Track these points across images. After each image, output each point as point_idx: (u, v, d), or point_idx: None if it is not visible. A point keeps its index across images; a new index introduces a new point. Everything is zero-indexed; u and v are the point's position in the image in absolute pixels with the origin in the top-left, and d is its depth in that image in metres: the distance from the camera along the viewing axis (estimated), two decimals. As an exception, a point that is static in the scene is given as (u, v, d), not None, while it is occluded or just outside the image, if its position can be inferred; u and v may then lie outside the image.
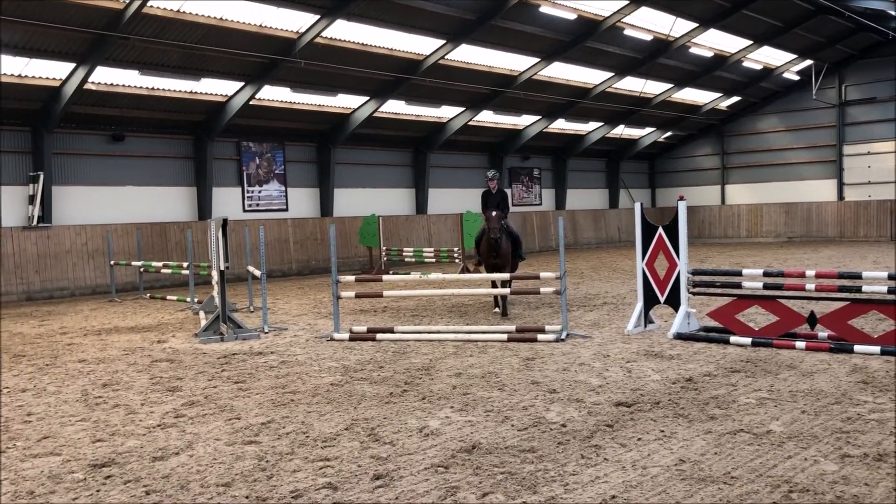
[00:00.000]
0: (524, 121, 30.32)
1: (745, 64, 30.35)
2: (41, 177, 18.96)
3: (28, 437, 6.19)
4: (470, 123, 27.59)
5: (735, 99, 34.58)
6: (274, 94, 22.52)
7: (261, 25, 19.14)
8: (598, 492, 4.58)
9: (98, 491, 4.89)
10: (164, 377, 8.44)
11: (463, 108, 27.06)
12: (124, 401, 7.34)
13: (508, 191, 32.45)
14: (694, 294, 10.11)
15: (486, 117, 28.47)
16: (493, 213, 12.72)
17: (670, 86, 30.76)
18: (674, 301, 9.98)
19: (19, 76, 17.95)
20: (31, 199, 19.05)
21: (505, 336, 9.93)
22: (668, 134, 36.72)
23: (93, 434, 6.21)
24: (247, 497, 4.69)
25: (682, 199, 10.08)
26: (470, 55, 23.57)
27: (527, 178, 33.70)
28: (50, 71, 18.21)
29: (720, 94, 33.49)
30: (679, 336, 9.58)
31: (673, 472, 4.87)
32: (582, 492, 4.59)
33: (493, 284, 12.85)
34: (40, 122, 19.08)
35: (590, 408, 6.46)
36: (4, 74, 17.70)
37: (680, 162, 38.80)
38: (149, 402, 7.28)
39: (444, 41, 22.19)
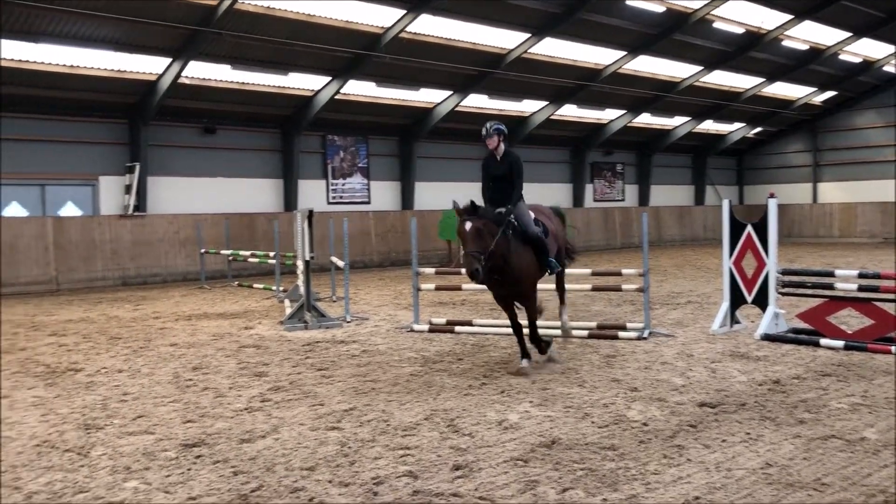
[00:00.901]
0: (608, 115, 29.86)
1: (843, 57, 29.11)
2: (137, 167, 19.79)
3: (124, 415, 6.49)
4: (552, 117, 27.36)
5: (830, 94, 33.21)
6: (359, 89, 22.83)
7: (347, 21, 19.44)
8: (681, 492, 4.49)
9: (189, 469, 5.08)
10: (250, 362, 8.69)
11: (546, 103, 26.84)
12: (213, 384, 7.60)
13: (590, 186, 32.03)
14: (783, 294, 9.79)
15: (569, 111, 28.17)
16: (468, 225, 7.60)
17: (761, 80, 29.77)
18: (762, 301, 9.69)
19: (119, 71, 18.75)
20: (128, 189, 19.90)
21: (585, 333, 9.83)
22: (758, 129, 35.57)
23: (184, 415, 6.45)
24: (330, 482, 4.80)
25: (772, 196, 9.77)
26: (554, 49, 23.35)
27: (609, 173, 33.21)
28: (147, 66, 18.94)
29: (814, 89, 32.21)
30: (766, 337, 9.30)
31: (759, 475, 4.74)
32: (664, 491, 4.52)
33: (517, 325, 8.04)
34: (137, 114, 19.88)
35: (672, 407, 6.34)
36: (105, 69, 18.53)
37: (770, 158, 37.54)
38: (236, 386, 7.51)
39: (528, 35, 22.06)
